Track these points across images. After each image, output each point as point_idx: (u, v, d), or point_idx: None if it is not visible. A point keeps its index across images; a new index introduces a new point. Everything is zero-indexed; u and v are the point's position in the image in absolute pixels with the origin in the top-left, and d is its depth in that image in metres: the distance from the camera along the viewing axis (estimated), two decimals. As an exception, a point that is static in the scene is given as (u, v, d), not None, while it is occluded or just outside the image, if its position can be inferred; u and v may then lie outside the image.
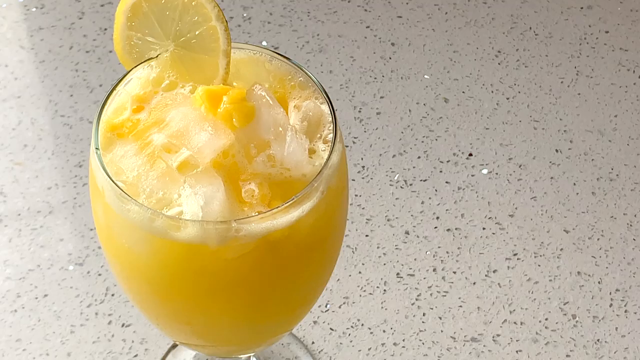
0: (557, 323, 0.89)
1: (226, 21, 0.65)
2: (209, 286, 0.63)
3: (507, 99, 1.08)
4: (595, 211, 0.98)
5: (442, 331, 0.88)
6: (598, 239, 0.96)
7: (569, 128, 1.05)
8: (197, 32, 0.65)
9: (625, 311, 0.90)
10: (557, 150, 1.03)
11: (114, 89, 0.65)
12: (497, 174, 1.01)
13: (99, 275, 0.91)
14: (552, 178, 1.01)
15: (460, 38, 1.14)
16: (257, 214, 0.61)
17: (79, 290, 0.90)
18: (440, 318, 0.89)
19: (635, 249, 0.95)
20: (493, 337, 0.88)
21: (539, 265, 0.93)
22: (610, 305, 0.91)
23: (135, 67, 0.66)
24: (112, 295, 0.89)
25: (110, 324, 0.88)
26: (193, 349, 0.76)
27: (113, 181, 0.60)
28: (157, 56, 0.66)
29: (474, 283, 0.92)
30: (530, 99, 1.08)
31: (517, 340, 0.88)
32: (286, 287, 0.66)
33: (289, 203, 0.60)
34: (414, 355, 0.86)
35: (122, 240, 0.62)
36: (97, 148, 0.62)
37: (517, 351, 0.87)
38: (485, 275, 0.92)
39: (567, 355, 0.87)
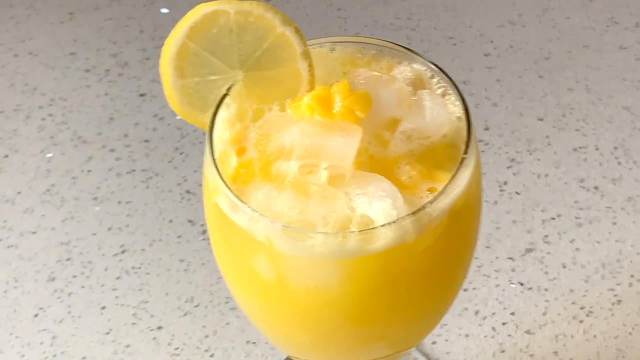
0: None
1: (294, 22, 0.59)
2: (405, 287, 0.58)
3: None
4: None
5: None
6: None
7: None
8: (265, 48, 0.59)
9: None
10: None
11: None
12: None
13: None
14: None
15: None
16: (429, 192, 0.56)
17: None
18: None
19: None
20: None
21: None
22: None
23: (215, 113, 0.59)
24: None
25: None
26: None
27: (286, 226, 0.54)
28: (227, 92, 0.60)
29: None
30: None
31: None
32: (465, 258, 0.62)
33: (462, 163, 0.56)
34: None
35: (307, 282, 0.56)
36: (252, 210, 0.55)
37: None
38: None
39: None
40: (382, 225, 0.53)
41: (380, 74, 0.60)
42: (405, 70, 0.62)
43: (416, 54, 0.62)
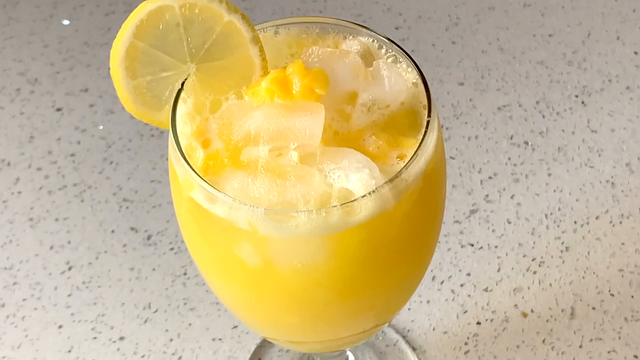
0: None
1: (239, 9, 0.59)
2: (389, 254, 0.59)
3: None
4: None
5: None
6: None
7: None
8: (214, 38, 0.59)
9: None
10: None
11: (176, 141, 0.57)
12: None
13: None
14: None
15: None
16: (399, 159, 0.57)
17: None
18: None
19: None
20: None
21: None
22: None
23: (174, 109, 0.59)
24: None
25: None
26: (284, 345, 0.70)
27: (269, 209, 0.54)
28: (182, 87, 0.59)
29: None
30: None
31: None
32: (439, 219, 0.63)
33: (428, 126, 0.57)
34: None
35: (294, 263, 0.56)
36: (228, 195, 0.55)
37: None
38: None
39: None
40: (363, 196, 0.54)
41: (332, 50, 0.60)
42: (352, 44, 0.62)
43: (361, 26, 0.62)
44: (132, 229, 0.90)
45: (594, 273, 0.85)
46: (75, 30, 1.09)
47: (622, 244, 0.87)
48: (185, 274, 0.87)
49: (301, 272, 0.56)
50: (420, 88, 0.60)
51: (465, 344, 0.82)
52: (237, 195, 0.55)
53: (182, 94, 0.59)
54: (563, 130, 0.95)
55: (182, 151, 0.57)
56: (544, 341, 0.81)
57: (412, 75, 0.60)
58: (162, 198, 0.92)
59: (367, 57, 0.62)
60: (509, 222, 0.89)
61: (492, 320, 0.83)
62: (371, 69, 0.59)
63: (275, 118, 0.57)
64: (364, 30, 0.62)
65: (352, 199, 0.54)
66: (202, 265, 0.62)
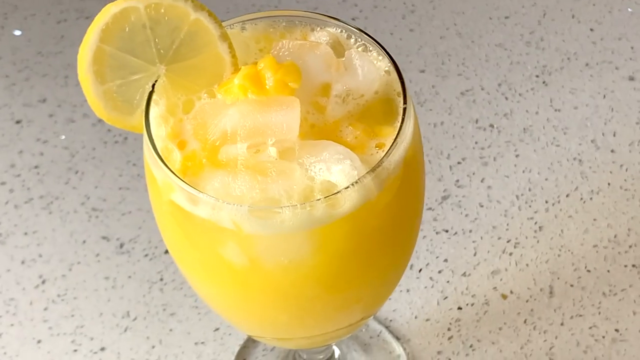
0: None
1: (205, 6, 0.58)
2: (374, 245, 0.58)
3: None
4: None
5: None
6: None
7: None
8: (181, 37, 0.58)
9: None
10: None
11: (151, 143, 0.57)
12: None
13: None
14: None
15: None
16: (377, 149, 0.57)
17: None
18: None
19: None
20: None
21: None
22: None
23: (147, 112, 0.58)
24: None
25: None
26: (270, 343, 0.70)
27: (253, 207, 0.53)
28: (153, 89, 0.58)
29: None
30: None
31: None
32: (420, 206, 0.62)
33: (405, 113, 0.57)
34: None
35: (280, 260, 0.56)
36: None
37: None
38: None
39: None
40: (346, 188, 0.53)
41: (302, 42, 0.60)
42: (321, 36, 0.62)
43: (328, 17, 0.62)
44: (104, 237, 0.89)
45: (569, 250, 0.86)
46: (28, 40, 1.07)
47: (594, 219, 0.87)
48: (161, 279, 0.86)
49: (288, 268, 0.56)
50: (393, 76, 0.59)
51: (448, 329, 0.82)
52: (219, 195, 0.54)
53: (154, 96, 0.58)
54: (527, 111, 0.96)
55: (159, 154, 0.56)
56: (525, 321, 0.82)
57: (384, 64, 0.60)
58: (131, 205, 0.91)
59: (337, 48, 0.61)
60: (481, 206, 0.89)
61: (472, 305, 0.83)
62: (343, 59, 0.59)
63: (251, 114, 0.56)
64: (332, 20, 0.62)
65: (336, 191, 0.54)
66: (185, 268, 0.62)
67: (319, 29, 0.62)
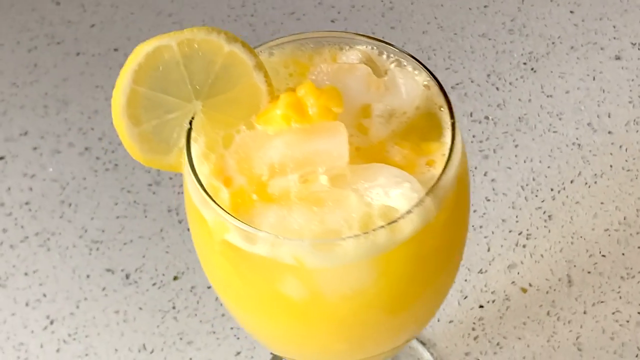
0: None
1: (238, 37, 0.57)
2: (434, 266, 0.57)
3: None
4: None
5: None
6: None
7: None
8: (216, 71, 0.56)
9: None
10: None
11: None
12: None
13: None
14: None
15: None
16: (428, 166, 0.56)
17: None
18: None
19: None
20: None
21: None
22: None
23: (188, 150, 0.56)
24: None
25: None
26: None
27: (315, 241, 0.52)
28: (190, 126, 0.57)
29: None
30: None
31: None
32: (469, 219, 0.62)
33: (454, 128, 0.56)
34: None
35: (343, 290, 0.54)
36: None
37: None
38: None
39: None
40: (408, 212, 0.52)
41: (338, 64, 0.58)
42: (351, 55, 0.61)
43: (356, 34, 0.61)
44: (108, 270, 0.87)
45: (581, 237, 0.86)
46: (0, 72, 1.04)
47: (602, 203, 0.88)
48: (174, 307, 0.84)
49: (350, 298, 0.55)
50: (433, 89, 0.58)
51: (473, 329, 0.81)
52: (276, 231, 0.53)
53: (192, 134, 0.57)
54: (520, 100, 0.95)
55: (208, 194, 0.54)
56: (548, 313, 0.81)
57: (422, 78, 0.59)
58: (132, 233, 0.89)
59: (370, 65, 0.60)
60: (488, 200, 0.88)
61: (493, 302, 0.82)
62: (386, 78, 0.58)
63: (298, 144, 0.55)
64: (360, 38, 0.61)
65: (399, 216, 0.52)
66: (235, 304, 0.60)
67: (347, 47, 0.61)
